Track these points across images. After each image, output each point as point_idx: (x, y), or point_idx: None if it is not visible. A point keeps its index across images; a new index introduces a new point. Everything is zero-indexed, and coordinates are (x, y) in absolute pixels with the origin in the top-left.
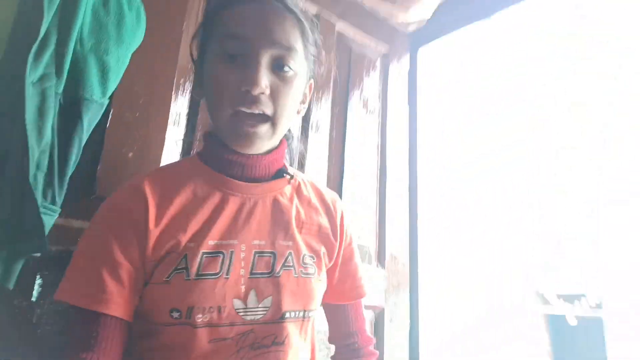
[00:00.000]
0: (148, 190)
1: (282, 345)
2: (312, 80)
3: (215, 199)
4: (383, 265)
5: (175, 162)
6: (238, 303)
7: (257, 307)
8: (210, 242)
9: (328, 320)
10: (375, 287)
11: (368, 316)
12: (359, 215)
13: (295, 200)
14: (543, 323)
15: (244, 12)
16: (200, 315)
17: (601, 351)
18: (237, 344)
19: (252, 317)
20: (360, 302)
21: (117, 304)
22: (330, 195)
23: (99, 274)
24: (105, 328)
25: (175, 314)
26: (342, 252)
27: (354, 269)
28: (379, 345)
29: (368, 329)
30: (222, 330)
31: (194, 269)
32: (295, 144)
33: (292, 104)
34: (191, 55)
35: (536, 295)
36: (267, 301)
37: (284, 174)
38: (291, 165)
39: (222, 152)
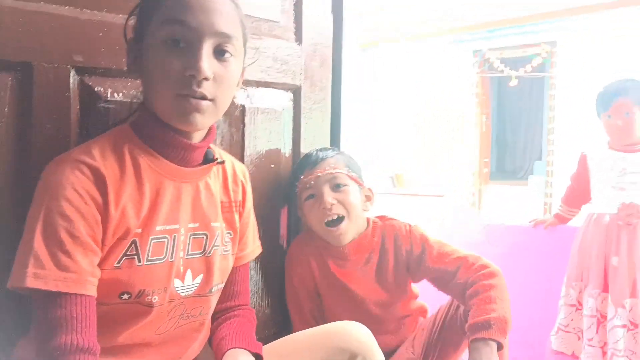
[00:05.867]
0: (103, 170)
1: (207, 315)
2: (244, 67)
3: (157, 183)
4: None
5: (108, 135)
6: (177, 282)
7: (191, 284)
8: (157, 227)
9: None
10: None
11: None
12: None
13: (220, 182)
14: None
15: None
16: (149, 297)
17: None
18: (169, 313)
19: (186, 293)
20: (248, 263)
21: (92, 284)
22: (240, 168)
23: (72, 255)
24: (85, 308)
25: (125, 296)
26: (244, 215)
27: (252, 229)
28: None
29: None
30: (163, 306)
31: (144, 255)
32: (222, 126)
33: (231, 87)
34: (124, 34)
35: None
36: (199, 278)
37: (215, 160)
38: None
39: (164, 134)
